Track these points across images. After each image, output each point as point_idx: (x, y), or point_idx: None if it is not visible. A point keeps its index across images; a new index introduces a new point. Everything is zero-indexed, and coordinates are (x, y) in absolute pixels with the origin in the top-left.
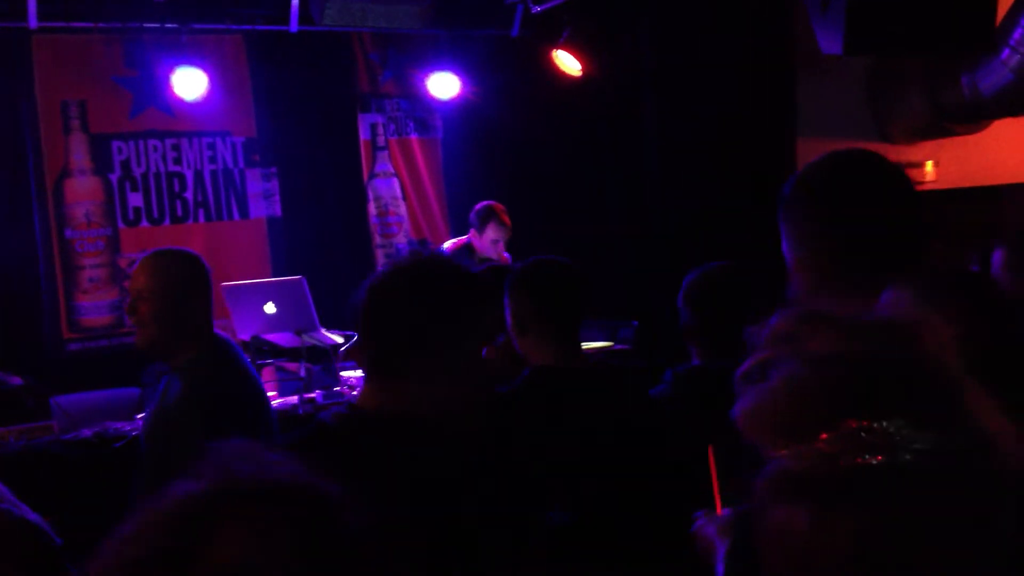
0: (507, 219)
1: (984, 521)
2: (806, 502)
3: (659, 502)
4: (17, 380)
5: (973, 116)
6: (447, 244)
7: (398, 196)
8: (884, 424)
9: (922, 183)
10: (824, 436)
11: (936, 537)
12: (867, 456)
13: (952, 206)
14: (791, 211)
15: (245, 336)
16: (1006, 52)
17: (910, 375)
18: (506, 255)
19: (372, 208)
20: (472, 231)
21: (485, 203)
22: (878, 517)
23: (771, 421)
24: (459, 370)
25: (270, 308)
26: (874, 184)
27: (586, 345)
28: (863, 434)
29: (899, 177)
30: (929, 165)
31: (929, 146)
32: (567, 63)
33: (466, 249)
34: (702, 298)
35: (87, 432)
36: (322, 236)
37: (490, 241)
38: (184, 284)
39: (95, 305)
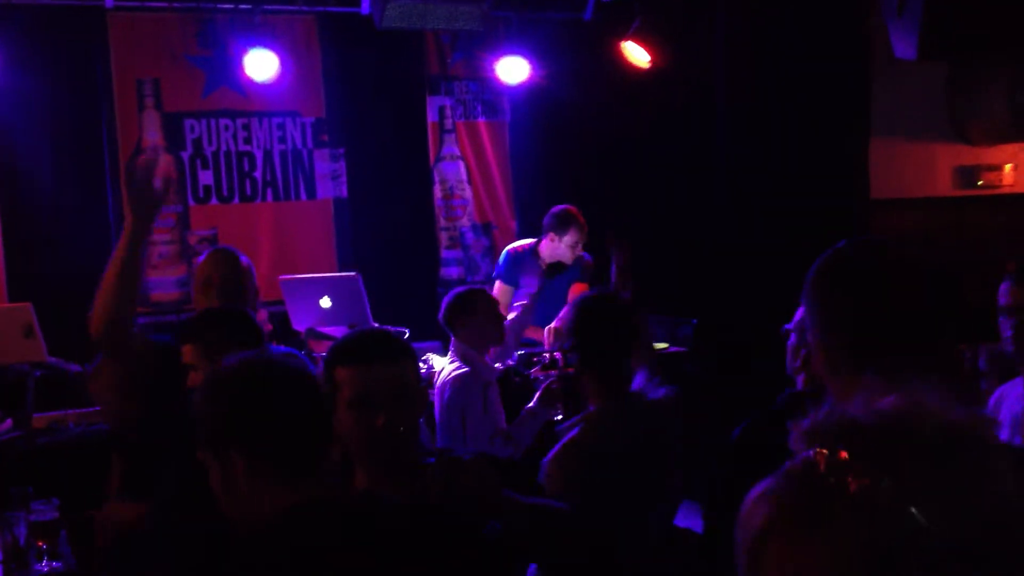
0: (584, 220)
1: None
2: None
3: None
4: (75, 367)
5: None
6: (511, 246)
7: (464, 179)
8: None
9: (1000, 187)
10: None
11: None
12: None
13: None
14: (817, 291)
15: (300, 328)
16: None
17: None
18: (587, 256)
19: (437, 191)
20: (550, 235)
21: (563, 207)
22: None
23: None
24: None
25: (325, 302)
26: (902, 272)
27: None
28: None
29: (929, 267)
30: (1008, 168)
31: (1009, 149)
32: (635, 54)
33: (531, 253)
34: None
35: None
36: (387, 217)
37: (569, 245)
38: None
39: (164, 280)
